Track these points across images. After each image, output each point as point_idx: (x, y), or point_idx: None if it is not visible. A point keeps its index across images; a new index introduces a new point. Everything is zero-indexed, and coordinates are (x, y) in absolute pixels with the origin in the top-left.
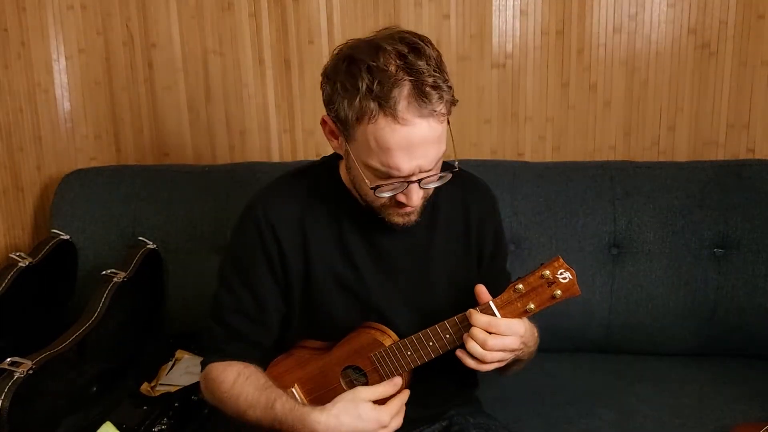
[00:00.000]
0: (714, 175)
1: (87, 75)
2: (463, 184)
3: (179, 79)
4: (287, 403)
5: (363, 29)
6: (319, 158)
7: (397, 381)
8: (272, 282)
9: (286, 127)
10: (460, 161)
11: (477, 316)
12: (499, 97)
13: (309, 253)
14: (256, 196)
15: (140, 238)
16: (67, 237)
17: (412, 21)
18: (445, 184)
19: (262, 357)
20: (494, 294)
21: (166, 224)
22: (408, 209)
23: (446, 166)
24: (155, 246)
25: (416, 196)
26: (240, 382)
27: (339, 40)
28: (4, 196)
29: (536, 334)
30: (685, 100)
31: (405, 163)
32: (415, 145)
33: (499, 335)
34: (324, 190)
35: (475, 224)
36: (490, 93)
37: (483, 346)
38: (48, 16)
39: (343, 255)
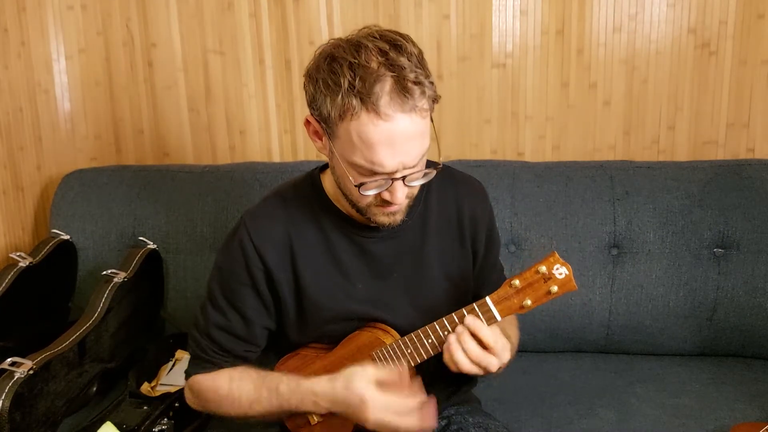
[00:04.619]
0: (714, 175)
1: (87, 75)
2: (454, 180)
3: (179, 79)
4: (291, 382)
5: None
6: (318, 159)
7: (403, 370)
8: (258, 304)
9: (286, 127)
10: (460, 161)
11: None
12: (499, 97)
13: (299, 272)
14: (242, 219)
15: (140, 238)
16: (67, 237)
17: (412, 21)
18: (436, 182)
19: (249, 363)
20: (489, 288)
21: (166, 224)
22: (393, 208)
23: (430, 164)
24: (155, 246)
25: (401, 194)
26: (235, 384)
27: None
28: (4, 196)
29: (513, 350)
30: (684, 100)
31: (388, 159)
32: (397, 140)
33: (488, 351)
34: (310, 206)
35: (468, 219)
36: (490, 93)
37: (467, 353)
38: (48, 16)
39: (335, 268)
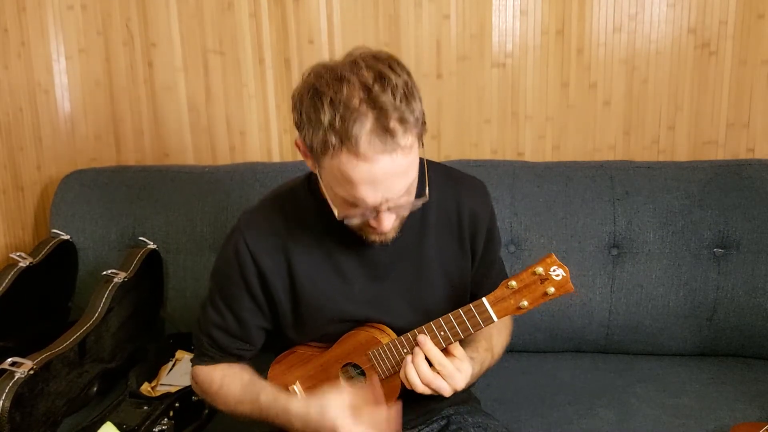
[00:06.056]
0: (714, 175)
1: (87, 75)
2: (455, 180)
3: (179, 79)
4: (270, 395)
5: (363, 29)
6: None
7: (379, 393)
8: (253, 306)
9: (286, 127)
10: (460, 161)
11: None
12: (499, 97)
13: (295, 276)
14: (239, 223)
15: (140, 238)
16: (68, 237)
17: (412, 21)
18: (437, 181)
19: (246, 361)
20: (489, 286)
21: (166, 224)
22: (382, 230)
23: (424, 180)
24: (155, 246)
25: (387, 222)
26: (226, 382)
27: (339, 39)
28: (4, 196)
29: (492, 359)
30: (684, 100)
31: (370, 196)
32: (379, 179)
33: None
34: (306, 210)
35: (468, 217)
36: (490, 93)
37: (420, 376)
38: (48, 16)
39: (333, 272)
